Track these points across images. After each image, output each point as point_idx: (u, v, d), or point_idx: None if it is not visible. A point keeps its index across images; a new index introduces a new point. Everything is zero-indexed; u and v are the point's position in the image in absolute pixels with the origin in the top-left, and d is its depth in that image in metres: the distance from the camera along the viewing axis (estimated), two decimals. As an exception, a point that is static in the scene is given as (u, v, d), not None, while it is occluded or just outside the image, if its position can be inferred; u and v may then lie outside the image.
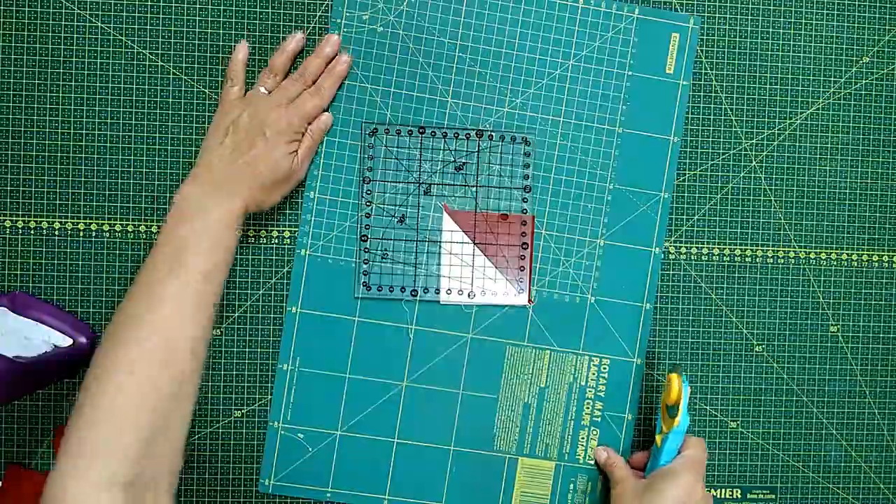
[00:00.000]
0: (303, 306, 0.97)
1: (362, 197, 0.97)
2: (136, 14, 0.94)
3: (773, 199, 1.02)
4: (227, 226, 0.85)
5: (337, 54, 0.95)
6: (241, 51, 0.94)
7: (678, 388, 0.93)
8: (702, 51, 1.00)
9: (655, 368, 1.01)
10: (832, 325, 1.03)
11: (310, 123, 0.94)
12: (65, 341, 0.91)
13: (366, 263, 0.97)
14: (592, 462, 0.99)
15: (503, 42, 0.98)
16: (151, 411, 0.74)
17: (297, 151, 0.92)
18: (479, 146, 0.98)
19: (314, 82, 0.94)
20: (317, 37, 0.96)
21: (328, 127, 0.96)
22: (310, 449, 0.97)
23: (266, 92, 0.92)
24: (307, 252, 0.97)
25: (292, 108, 0.92)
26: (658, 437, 0.95)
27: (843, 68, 1.03)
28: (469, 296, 0.98)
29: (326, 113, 0.95)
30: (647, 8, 0.99)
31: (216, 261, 0.83)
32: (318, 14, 0.96)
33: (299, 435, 0.97)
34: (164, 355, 0.77)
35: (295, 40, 0.94)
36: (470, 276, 0.98)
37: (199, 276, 0.81)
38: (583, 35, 0.98)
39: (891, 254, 1.04)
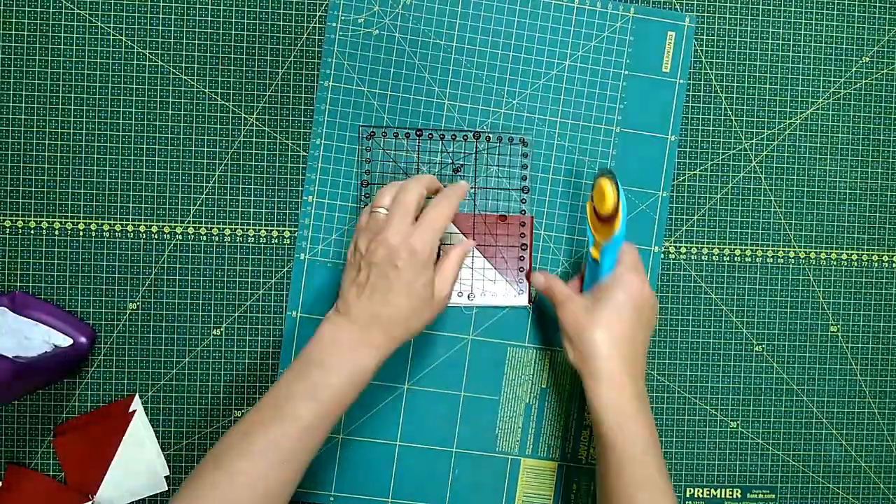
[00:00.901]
0: (303, 311, 0.97)
1: (361, 200, 0.97)
2: (136, 14, 0.95)
3: (773, 199, 1.02)
4: (351, 384, 0.80)
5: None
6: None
7: (614, 193, 0.87)
8: (701, 50, 1.00)
9: (655, 368, 1.01)
10: (832, 325, 1.03)
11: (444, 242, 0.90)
12: (65, 341, 0.92)
13: (365, 266, 0.97)
14: (595, 462, 0.99)
15: (499, 43, 0.98)
16: None
17: (436, 275, 0.85)
18: (476, 148, 0.98)
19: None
20: (316, 37, 0.96)
21: (469, 252, 0.91)
22: (312, 453, 0.97)
23: (385, 211, 0.84)
24: (306, 256, 0.97)
25: (418, 225, 0.83)
26: (594, 251, 0.92)
27: (843, 68, 1.03)
28: (469, 297, 0.98)
29: (469, 241, 0.90)
30: (642, 7, 0.99)
31: (325, 416, 0.79)
32: (316, 15, 0.96)
33: (302, 438, 0.97)
34: None
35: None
36: (470, 277, 0.98)
37: (303, 430, 0.78)
38: (578, 35, 0.98)
39: (891, 254, 1.03)
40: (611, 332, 0.86)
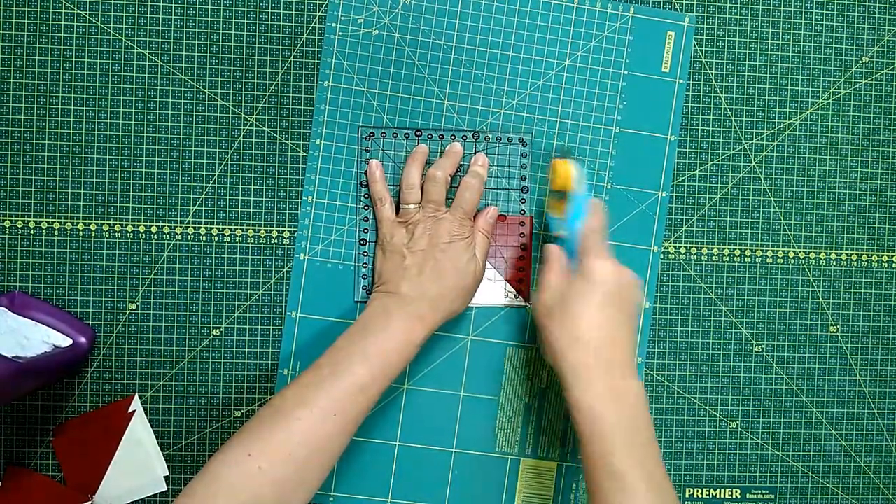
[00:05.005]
0: (302, 311, 0.97)
1: (360, 201, 0.97)
2: (136, 14, 0.94)
3: (772, 199, 1.02)
4: (402, 351, 0.86)
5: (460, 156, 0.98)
6: (378, 169, 0.96)
7: (564, 169, 0.93)
8: (700, 50, 1.00)
9: (655, 368, 1.01)
10: (832, 325, 1.03)
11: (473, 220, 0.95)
12: (65, 341, 0.92)
13: (365, 267, 0.97)
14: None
15: (499, 43, 0.98)
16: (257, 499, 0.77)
17: (475, 253, 0.93)
18: (475, 148, 0.98)
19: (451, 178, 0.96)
20: (316, 37, 0.96)
21: (495, 218, 0.97)
22: (312, 453, 0.97)
23: (415, 206, 0.94)
24: (306, 256, 0.97)
25: (453, 210, 0.93)
26: (559, 232, 0.95)
27: (843, 68, 1.03)
28: (468, 297, 0.98)
29: (491, 207, 0.96)
30: (642, 7, 0.99)
31: (377, 377, 0.84)
32: (316, 15, 0.96)
33: (301, 439, 0.97)
34: (287, 456, 0.78)
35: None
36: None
37: (355, 387, 0.82)
38: (578, 35, 0.98)
39: (891, 254, 1.03)
40: (580, 337, 0.84)
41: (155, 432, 0.96)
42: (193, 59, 0.95)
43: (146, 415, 0.95)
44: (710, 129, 1.01)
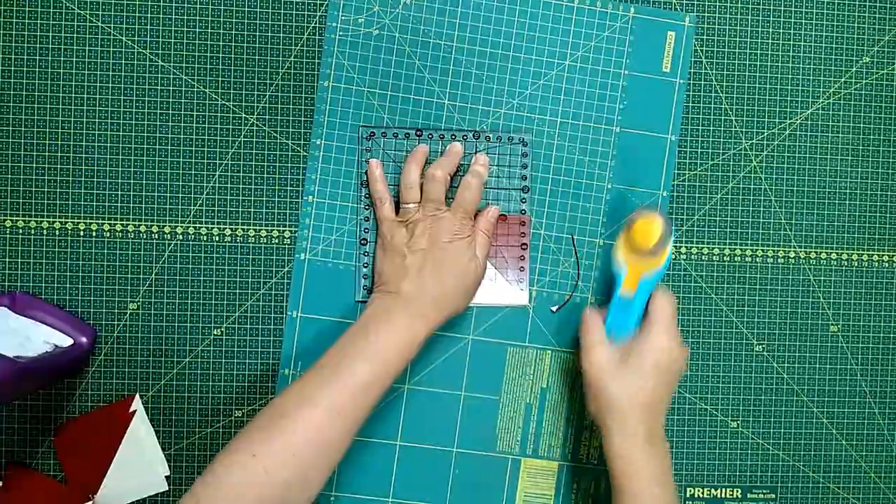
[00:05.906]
0: (303, 310, 0.97)
1: (361, 200, 0.97)
2: (136, 14, 0.94)
3: (773, 199, 1.02)
4: (403, 351, 0.86)
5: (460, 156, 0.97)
6: (378, 168, 0.96)
7: (660, 226, 0.90)
8: (701, 50, 1.00)
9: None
10: (832, 325, 1.03)
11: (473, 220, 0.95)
12: (65, 341, 0.92)
13: (366, 267, 0.97)
14: (595, 462, 0.99)
15: (499, 43, 0.98)
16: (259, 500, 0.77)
17: (476, 252, 0.93)
18: (476, 147, 0.98)
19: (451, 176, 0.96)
20: (316, 37, 0.96)
21: (496, 217, 0.97)
22: (312, 452, 0.97)
23: (415, 205, 0.94)
24: (306, 256, 0.97)
25: (453, 209, 0.93)
26: (624, 289, 0.93)
27: (843, 68, 1.03)
28: (469, 296, 0.98)
29: (492, 207, 0.96)
30: (642, 7, 0.99)
31: (379, 376, 0.84)
32: (316, 15, 0.96)
33: (302, 439, 0.97)
34: (291, 457, 0.78)
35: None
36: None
37: (357, 386, 0.82)
38: (578, 35, 0.98)
39: (891, 254, 1.03)
40: (633, 395, 0.87)
41: (156, 432, 0.96)
42: (194, 59, 0.95)
43: (147, 414, 0.95)
44: (711, 128, 1.01)
